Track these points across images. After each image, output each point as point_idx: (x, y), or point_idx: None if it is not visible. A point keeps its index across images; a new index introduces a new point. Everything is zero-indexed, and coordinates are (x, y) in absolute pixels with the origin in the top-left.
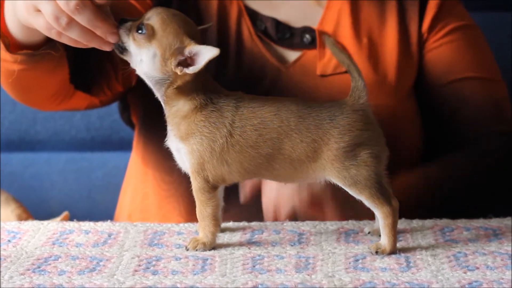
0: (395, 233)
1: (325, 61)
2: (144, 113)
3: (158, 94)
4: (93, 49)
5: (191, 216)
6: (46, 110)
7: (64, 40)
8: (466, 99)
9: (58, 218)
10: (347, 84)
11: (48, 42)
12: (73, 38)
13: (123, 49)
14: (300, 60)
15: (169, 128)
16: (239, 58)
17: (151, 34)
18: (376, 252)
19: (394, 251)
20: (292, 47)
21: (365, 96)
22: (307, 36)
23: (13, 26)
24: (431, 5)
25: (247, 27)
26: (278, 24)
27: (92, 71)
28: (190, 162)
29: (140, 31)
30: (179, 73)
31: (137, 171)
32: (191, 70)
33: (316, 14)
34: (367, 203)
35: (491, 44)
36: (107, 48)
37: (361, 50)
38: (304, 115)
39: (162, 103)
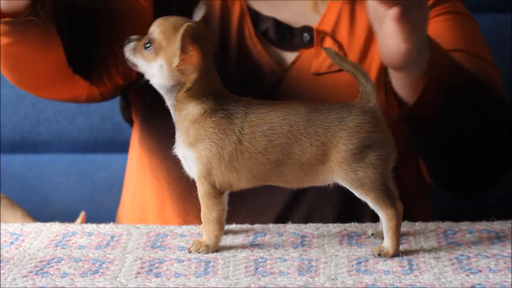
0: (399, 236)
1: (321, 59)
2: (144, 110)
3: (169, 102)
4: (89, 33)
5: (189, 217)
6: (48, 97)
7: None
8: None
9: (78, 220)
10: (340, 83)
11: (29, 10)
12: None
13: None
14: (298, 60)
15: (177, 134)
16: (240, 59)
17: (158, 47)
18: (379, 255)
19: (397, 254)
20: (292, 48)
21: (374, 100)
22: (305, 34)
23: None
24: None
25: (248, 27)
26: (279, 25)
27: (92, 59)
28: (198, 168)
29: (148, 46)
30: (175, 68)
31: (138, 171)
32: (176, 57)
33: (316, 13)
34: (372, 205)
35: (492, 46)
36: None
37: (358, 46)
38: (313, 118)
39: (171, 110)
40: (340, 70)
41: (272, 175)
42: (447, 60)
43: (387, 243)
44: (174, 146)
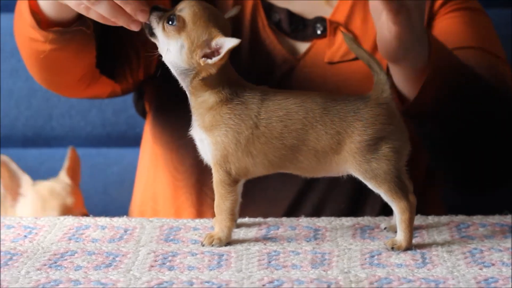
0: (412, 229)
1: (334, 49)
2: (158, 100)
3: (184, 84)
4: (118, 34)
5: (203, 207)
6: (72, 96)
7: (92, 15)
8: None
9: (67, 158)
10: (354, 72)
11: (78, 20)
12: (101, 13)
13: (153, 33)
14: (311, 50)
15: (193, 118)
16: (252, 49)
17: (182, 26)
18: (392, 248)
19: (410, 247)
20: (305, 39)
21: (388, 90)
22: (318, 25)
23: (44, 3)
24: None
25: (261, 18)
26: (292, 16)
27: (117, 57)
28: (213, 154)
29: (170, 22)
30: (201, 64)
31: (150, 162)
32: (213, 60)
33: (329, 6)
34: (385, 197)
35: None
36: (134, 28)
37: (371, 41)
38: (329, 107)
39: (188, 93)
40: (354, 59)
41: (287, 161)
42: (448, 58)
43: (400, 236)
44: (190, 129)
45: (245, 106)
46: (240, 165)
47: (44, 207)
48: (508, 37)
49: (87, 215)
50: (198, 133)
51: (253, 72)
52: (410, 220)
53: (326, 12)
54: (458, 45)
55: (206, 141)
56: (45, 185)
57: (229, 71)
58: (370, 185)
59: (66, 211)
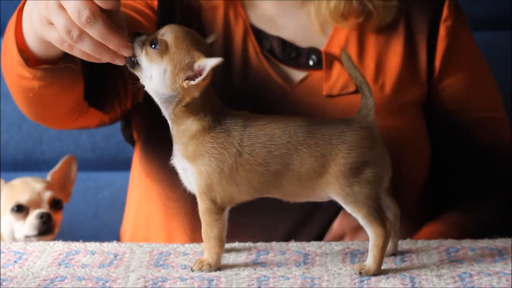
0: (383, 256)
1: (331, 82)
2: (147, 128)
3: (166, 113)
4: (105, 65)
5: (195, 234)
6: (61, 128)
7: (76, 53)
8: (483, 139)
9: (60, 162)
10: (353, 105)
11: (66, 57)
12: (85, 51)
13: (135, 64)
14: (306, 80)
15: (175, 147)
16: (244, 76)
17: (164, 50)
18: (360, 273)
19: (378, 272)
20: (298, 66)
21: (373, 115)
22: (313, 57)
23: (31, 40)
24: (442, 36)
25: (252, 45)
26: (284, 44)
27: (104, 88)
28: (197, 183)
29: (153, 46)
30: (185, 86)
31: (139, 190)
32: (196, 81)
33: (322, 36)
34: (362, 221)
35: (492, 63)
36: (119, 62)
37: (367, 74)
38: (313, 130)
39: (169, 122)
40: (353, 93)
41: (271, 187)
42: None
43: (370, 261)
44: (171, 157)
45: (228, 134)
46: (225, 193)
47: (13, 194)
48: (508, 58)
49: (59, 200)
50: (181, 162)
51: (245, 98)
52: (384, 246)
53: (320, 41)
54: (473, 116)
55: (190, 170)
56: (18, 179)
57: (211, 97)
58: (349, 208)
59: (35, 195)
